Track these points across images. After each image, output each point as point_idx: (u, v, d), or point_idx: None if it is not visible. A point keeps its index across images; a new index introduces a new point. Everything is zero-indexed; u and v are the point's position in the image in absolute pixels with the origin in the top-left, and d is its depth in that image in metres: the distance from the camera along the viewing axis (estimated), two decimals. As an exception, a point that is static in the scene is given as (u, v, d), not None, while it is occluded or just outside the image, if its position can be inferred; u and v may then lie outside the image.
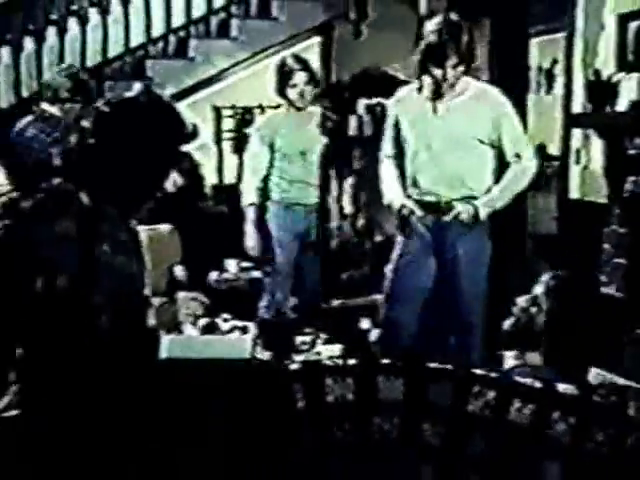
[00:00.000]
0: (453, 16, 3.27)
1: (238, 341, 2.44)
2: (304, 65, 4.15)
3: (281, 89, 4.12)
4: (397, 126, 3.35)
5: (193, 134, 2.00)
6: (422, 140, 3.26)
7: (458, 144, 3.25)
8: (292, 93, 4.08)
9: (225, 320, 2.83)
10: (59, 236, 1.84)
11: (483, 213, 3.27)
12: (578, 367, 2.43)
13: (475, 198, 3.26)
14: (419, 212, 3.25)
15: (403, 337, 3.31)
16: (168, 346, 2.25)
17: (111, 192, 1.92)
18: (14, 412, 2.08)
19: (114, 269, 1.90)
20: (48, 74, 5.44)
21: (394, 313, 3.36)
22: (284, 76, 4.10)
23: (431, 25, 3.14)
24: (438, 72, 3.06)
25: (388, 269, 3.43)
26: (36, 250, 1.85)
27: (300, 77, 4.10)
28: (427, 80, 3.15)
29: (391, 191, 3.36)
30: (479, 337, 3.30)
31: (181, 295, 3.54)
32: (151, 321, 2.03)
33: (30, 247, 1.87)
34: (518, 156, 3.32)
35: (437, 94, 3.17)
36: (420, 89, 3.24)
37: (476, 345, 3.28)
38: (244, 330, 2.63)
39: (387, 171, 3.41)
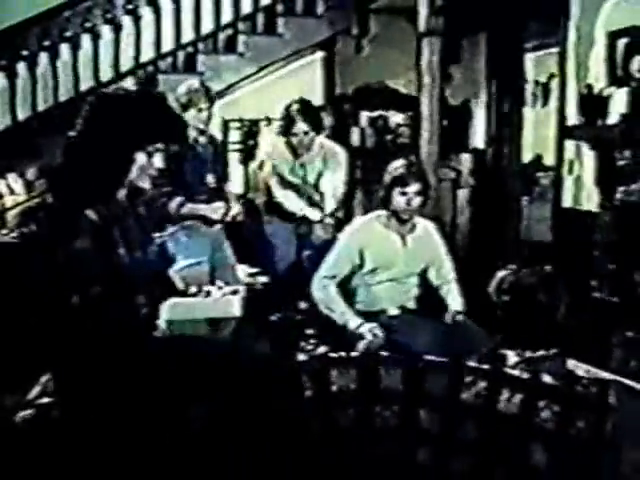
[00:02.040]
0: (413, 158, 3.91)
1: (227, 301, 2.54)
2: (306, 116, 4.35)
3: (284, 133, 4.41)
4: (361, 255, 3.62)
5: (184, 128, 2.15)
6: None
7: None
8: (293, 139, 4.37)
9: (219, 288, 2.91)
10: (78, 251, 1.98)
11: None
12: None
13: None
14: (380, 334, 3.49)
15: None
16: (169, 309, 2.32)
17: (110, 188, 2.04)
18: (46, 400, 2.27)
19: (133, 267, 2.07)
20: (62, 89, 5.71)
21: None
22: (288, 122, 4.36)
23: (396, 162, 3.65)
24: (402, 199, 3.55)
25: None
26: (58, 262, 2.01)
27: (300, 127, 4.35)
28: (392, 211, 3.60)
29: (348, 314, 3.54)
30: None
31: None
32: (179, 285, 2.21)
33: (53, 258, 2.03)
34: (447, 282, 3.76)
35: (401, 223, 3.65)
36: (384, 221, 3.66)
37: None
38: (234, 292, 2.73)
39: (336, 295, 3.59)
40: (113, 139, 2.03)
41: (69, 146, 2.11)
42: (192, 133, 4.20)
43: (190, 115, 4.14)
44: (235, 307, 2.50)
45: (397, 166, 3.63)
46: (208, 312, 2.43)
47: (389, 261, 3.64)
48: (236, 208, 4.28)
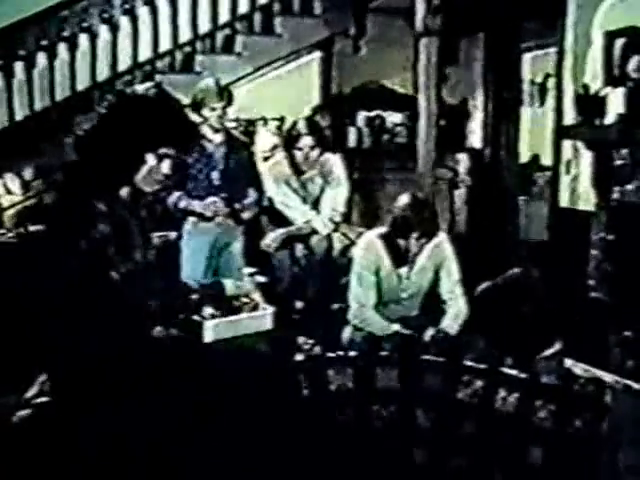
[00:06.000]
0: (420, 195, 3.77)
1: (261, 316, 2.63)
2: (313, 130, 4.38)
3: (288, 148, 4.44)
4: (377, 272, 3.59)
5: (196, 137, 2.17)
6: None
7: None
8: (298, 155, 4.40)
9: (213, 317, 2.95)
10: (79, 250, 1.98)
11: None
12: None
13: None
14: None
15: None
16: (213, 329, 2.44)
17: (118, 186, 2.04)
18: (44, 399, 2.27)
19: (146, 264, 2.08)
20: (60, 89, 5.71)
21: None
22: (292, 137, 4.39)
23: (401, 201, 3.51)
24: (403, 242, 3.45)
25: None
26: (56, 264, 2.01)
27: (306, 141, 4.37)
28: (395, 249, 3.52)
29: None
30: None
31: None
32: (194, 295, 2.24)
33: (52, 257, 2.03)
34: (451, 298, 3.62)
35: (402, 262, 3.55)
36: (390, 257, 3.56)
37: None
38: (254, 307, 2.79)
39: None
40: (126, 139, 2.04)
41: (81, 142, 2.12)
42: (206, 129, 4.20)
43: (204, 113, 4.16)
44: (268, 321, 2.59)
45: (402, 205, 3.48)
46: (245, 328, 2.50)
47: (389, 293, 3.61)
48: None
